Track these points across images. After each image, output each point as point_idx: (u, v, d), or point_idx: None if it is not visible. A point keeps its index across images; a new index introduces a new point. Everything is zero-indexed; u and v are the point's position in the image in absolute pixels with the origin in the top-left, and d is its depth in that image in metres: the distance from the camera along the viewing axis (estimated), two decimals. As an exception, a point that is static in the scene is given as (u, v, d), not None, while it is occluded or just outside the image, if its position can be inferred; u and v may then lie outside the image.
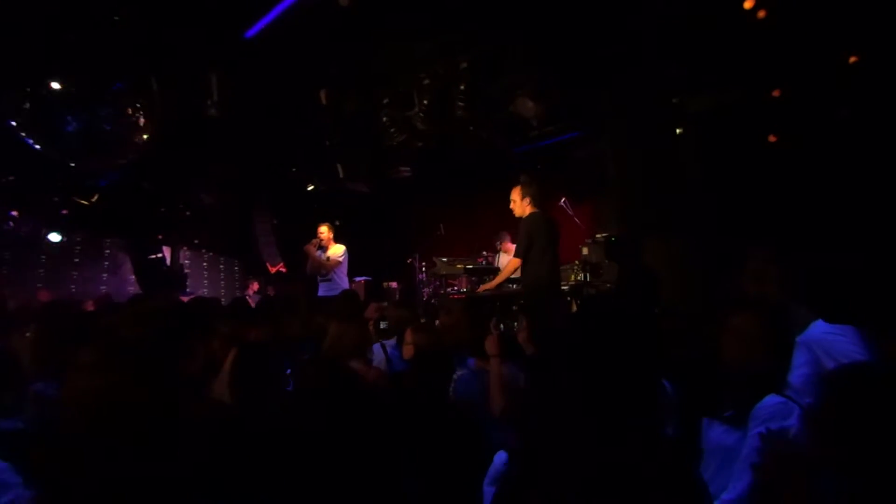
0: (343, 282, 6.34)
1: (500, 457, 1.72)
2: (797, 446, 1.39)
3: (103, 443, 1.04)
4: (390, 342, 3.54)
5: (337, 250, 6.32)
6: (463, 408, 2.51)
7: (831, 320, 2.02)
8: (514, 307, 5.00)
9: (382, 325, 3.79)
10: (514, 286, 5.03)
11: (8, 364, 1.48)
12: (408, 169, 7.52)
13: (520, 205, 4.59)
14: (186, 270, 10.37)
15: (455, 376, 2.69)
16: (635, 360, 1.36)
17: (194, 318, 2.17)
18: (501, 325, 2.70)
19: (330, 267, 6.24)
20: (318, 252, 6.25)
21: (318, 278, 6.36)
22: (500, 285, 5.04)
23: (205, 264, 11.26)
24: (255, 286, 10.11)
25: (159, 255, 9.49)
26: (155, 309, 2.01)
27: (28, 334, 1.91)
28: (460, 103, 5.38)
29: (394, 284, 8.53)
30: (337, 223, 6.73)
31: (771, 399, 1.58)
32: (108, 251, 9.96)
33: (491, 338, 2.66)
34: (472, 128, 6.45)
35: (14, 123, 4.69)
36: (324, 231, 6.34)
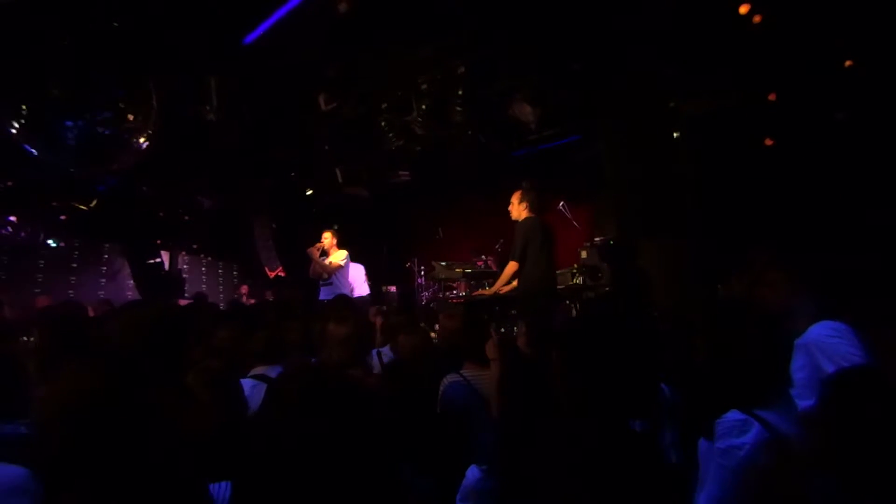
0: (344, 287, 6.39)
1: (473, 472, 1.66)
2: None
3: (79, 447, 1.03)
4: (385, 349, 3.53)
5: (339, 255, 6.38)
6: (450, 416, 2.48)
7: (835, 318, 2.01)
8: (513, 311, 5.01)
9: None
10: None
11: (12, 369, 1.48)
12: (406, 173, 7.53)
13: (517, 208, 4.68)
14: (185, 275, 10.36)
15: (446, 382, 2.68)
16: (633, 363, 1.37)
17: (192, 323, 2.15)
18: (502, 329, 2.68)
19: (332, 271, 6.29)
20: (321, 257, 6.31)
21: (320, 283, 6.42)
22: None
23: (203, 269, 11.25)
24: (245, 289, 10.11)
25: (157, 259, 9.48)
26: (151, 315, 2.00)
27: (31, 339, 1.91)
28: (458, 108, 5.40)
29: (392, 289, 8.54)
30: (336, 228, 6.75)
31: (731, 415, 1.54)
32: (106, 256, 9.95)
33: (491, 342, 2.63)
34: (470, 132, 6.47)
35: (12, 129, 4.68)
36: (327, 237, 6.41)
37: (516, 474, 1.42)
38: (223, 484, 1.30)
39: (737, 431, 1.50)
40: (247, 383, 2.42)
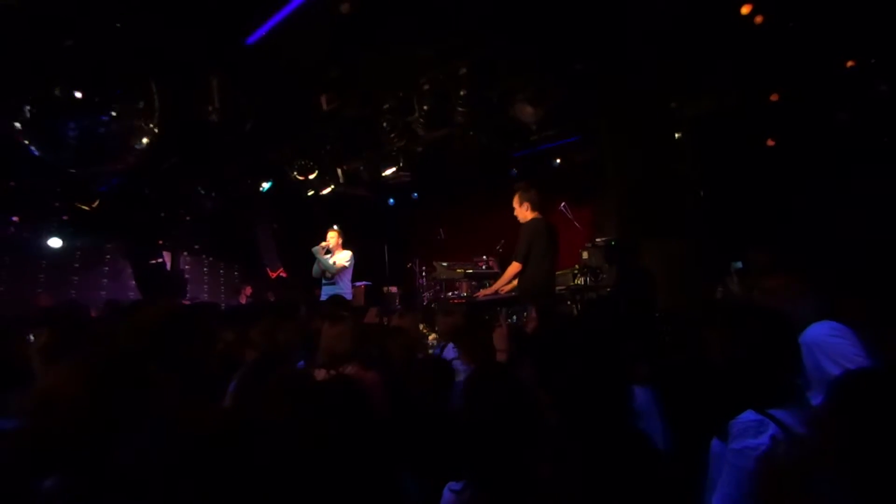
0: (347, 286, 6.41)
1: (452, 487, 1.56)
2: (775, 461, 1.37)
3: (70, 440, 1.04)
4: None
5: (343, 256, 6.40)
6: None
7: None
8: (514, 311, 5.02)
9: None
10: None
11: (17, 366, 1.49)
12: (408, 174, 7.54)
13: (520, 210, 4.71)
14: (186, 276, 10.36)
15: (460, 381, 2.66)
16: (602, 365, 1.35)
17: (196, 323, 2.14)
18: (513, 317, 2.63)
19: (336, 271, 6.32)
20: (326, 256, 6.33)
21: (323, 282, 6.44)
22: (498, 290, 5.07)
23: (205, 269, 11.25)
24: (249, 290, 10.10)
25: (159, 260, 9.50)
26: (155, 315, 2.00)
27: (36, 338, 1.92)
28: (460, 108, 5.41)
29: (394, 289, 8.54)
30: (337, 227, 6.77)
31: (747, 415, 1.53)
32: (108, 256, 9.96)
33: (500, 331, 2.52)
34: (471, 133, 6.48)
35: (15, 128, 4.70)
36: (332, 237, 6.43)
37: (504, 486, 1.38)
38: None
39: (752, 432, 1.49)
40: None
